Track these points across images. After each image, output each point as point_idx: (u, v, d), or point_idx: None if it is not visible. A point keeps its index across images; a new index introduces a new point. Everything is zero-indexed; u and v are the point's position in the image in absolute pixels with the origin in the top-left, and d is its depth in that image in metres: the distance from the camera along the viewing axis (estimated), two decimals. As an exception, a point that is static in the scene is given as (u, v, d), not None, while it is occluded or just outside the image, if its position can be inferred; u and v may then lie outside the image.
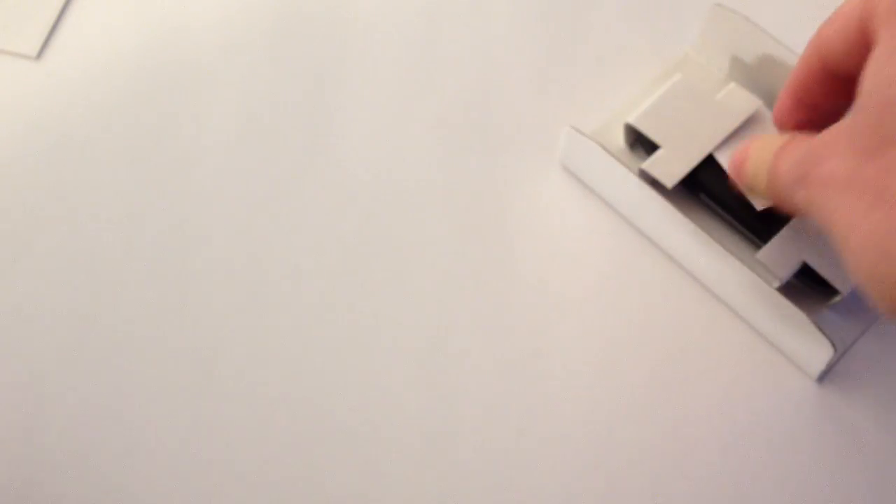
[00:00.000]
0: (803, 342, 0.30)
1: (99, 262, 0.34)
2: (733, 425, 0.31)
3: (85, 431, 0.32)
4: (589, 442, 0.31)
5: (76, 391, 0.32)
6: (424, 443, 0.31)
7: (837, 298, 0.31)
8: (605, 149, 0.32)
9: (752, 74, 0.34)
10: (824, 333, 0.29)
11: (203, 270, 0.34)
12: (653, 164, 0.32)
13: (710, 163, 0.32)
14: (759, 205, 0.31)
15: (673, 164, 0.32)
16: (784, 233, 0.31)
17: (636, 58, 0.38)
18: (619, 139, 0.35)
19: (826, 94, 0.28)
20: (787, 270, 0.30)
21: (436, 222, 0.35)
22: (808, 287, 0.31)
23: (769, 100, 0.34)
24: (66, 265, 0.34)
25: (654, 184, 0.32)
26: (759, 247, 0.32)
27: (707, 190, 0.33)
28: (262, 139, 0.37)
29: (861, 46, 0.25)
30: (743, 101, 0.33)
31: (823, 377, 0.31)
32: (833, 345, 0.29)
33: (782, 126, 0.30)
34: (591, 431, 0.31)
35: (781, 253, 0.31)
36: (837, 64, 0.27)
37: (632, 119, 0.33)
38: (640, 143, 0.34)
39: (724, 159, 0.32)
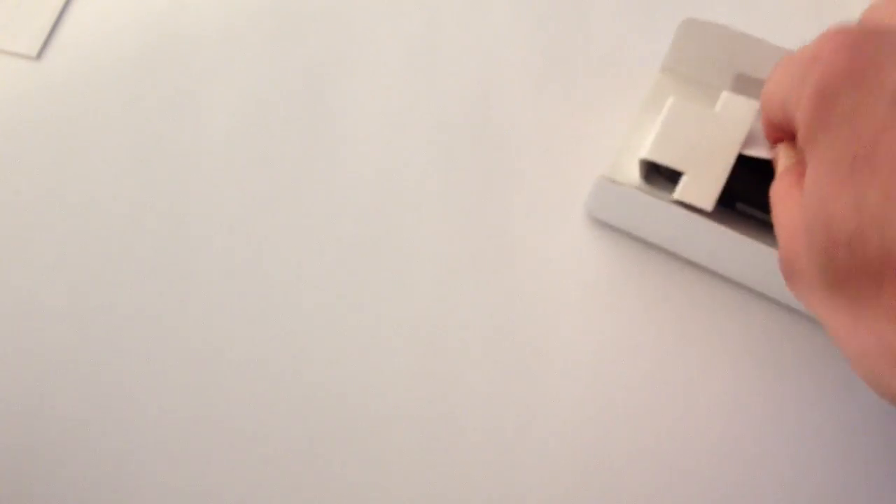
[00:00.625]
0: None
1: (99, 261, 0.35)
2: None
3: (85, 428, 0.32)
4: (593, 440, 0.31)
5: (76, 388, 0.32)
6: (424, 442, 0.31)
7: None
8: (644, 192, 0.32)
9: (741, 78, 0.34)
10: None
11: (202, 269, 0.34)
12: (684, 191, 0.32)
13: (738, 171, 0.32)
14: None
15: (703, 186, 0.31)
16: None
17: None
18: (632, 175, 0.34)
19: (780, 138, 0.29)
20: None
21: (437, 224, 0.35)
22: None
23: None
24: (66, 264, 0.35)
25: (692, 210, 0.32)
26: None
27: (744, 197, 0.32)
28: (262, 141, 0.37)
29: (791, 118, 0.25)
30: (742, 107, 0.33)
31: None
32: None
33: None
34: (592, 431, 0.31)
35: None
36: (780, 122, 0.27)
37: (646, 153, 0.32)
38: (658, 173, 0.34)
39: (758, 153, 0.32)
